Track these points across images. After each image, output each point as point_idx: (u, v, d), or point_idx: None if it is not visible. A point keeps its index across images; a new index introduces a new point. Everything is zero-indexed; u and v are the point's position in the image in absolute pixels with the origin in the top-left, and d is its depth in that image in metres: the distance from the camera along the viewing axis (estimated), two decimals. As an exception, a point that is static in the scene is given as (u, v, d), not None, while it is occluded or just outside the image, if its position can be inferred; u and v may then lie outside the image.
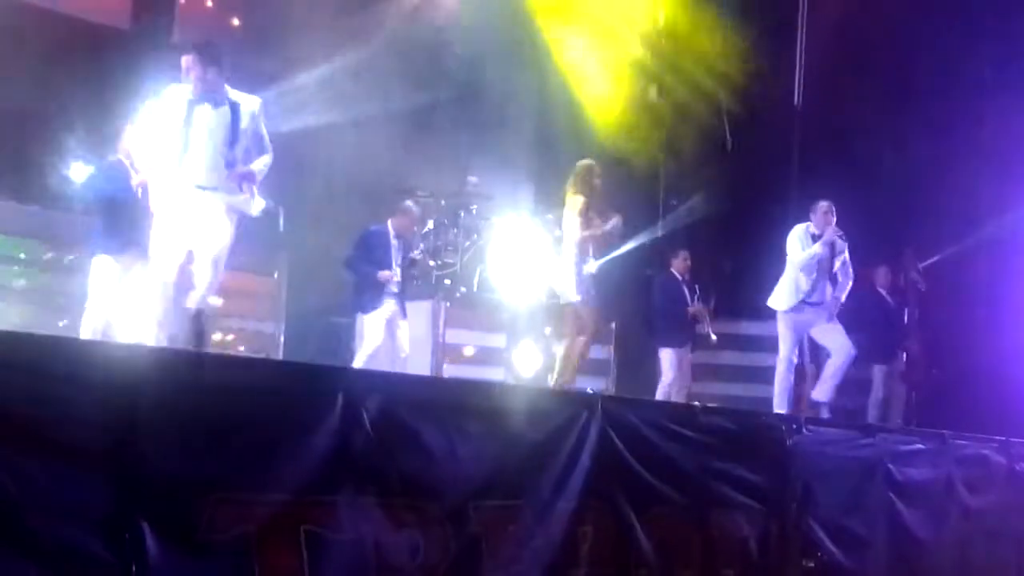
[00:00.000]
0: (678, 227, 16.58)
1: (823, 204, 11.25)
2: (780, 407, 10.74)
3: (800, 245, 11.10)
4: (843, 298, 11.34)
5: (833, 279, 11.25)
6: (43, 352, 5.03)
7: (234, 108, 8.35)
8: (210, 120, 8.27)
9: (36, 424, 4.68)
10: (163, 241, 8.22)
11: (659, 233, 16.67)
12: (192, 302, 8.26)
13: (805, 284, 11.06)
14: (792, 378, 11.10)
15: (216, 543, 5.05)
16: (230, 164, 8.31)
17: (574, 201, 10.04)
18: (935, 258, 14.46)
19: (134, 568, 4.77)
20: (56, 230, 11.22)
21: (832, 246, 11.11)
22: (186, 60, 8.43)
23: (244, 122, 8.38)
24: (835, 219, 11.16)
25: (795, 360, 11.16)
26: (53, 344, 5.50)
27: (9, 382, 4.64)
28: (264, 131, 8.57)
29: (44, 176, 12.17)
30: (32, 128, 12.30)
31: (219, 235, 8.28)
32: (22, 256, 11.32)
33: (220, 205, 8.30)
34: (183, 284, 8.26)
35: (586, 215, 9.94)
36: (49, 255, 11.22)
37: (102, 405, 4.88)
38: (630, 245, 12.15)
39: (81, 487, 4.75)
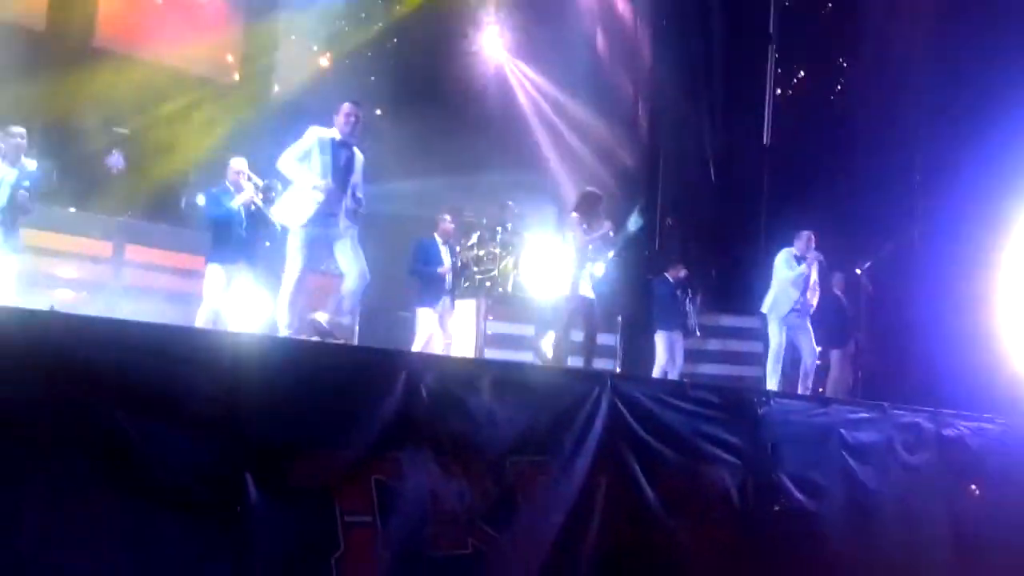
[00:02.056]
0: (673, 241, 16.62)
1: (806, 233, 11.30)
2: (772, 387, 10.77)
3: (788, 265, 11.13)
4: (815, 305, 11.35)
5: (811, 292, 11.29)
6: (170, 339, 5.05)
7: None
8: (348, 156, 8.23)
9: (162, 397, 4.67)
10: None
11: (656, 246, 16.69)
12: None
13: (795, 295, 11.08)
14: (780, 367, 11.10)
15: (304, 490, 5.01)
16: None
17: (571, 219, 9.89)
18: (869, 263, 14.39)
19: (239, 510, 4.75)
20: (182, 243, 11.26)
21: (812, 266, 11.15)
22: (349, 107, 8.26)
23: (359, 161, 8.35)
24: (815, 244, 11.16)
25: (782, 354, 11.09)
26: (178, 333, 5.51)
27: (142, 363, 4.65)
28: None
29: (172, 201, 12.26)
30: (161, 165, 12.39)
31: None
32: (157, 263, 11.38)
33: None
34: None
35: (583, 227, 9.70)
36: (175, 263, 11.25)
37: (215, 381, 4.86)
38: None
39: (197, 447, 4.72)
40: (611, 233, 9.93)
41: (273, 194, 9.43)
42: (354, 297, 8.28)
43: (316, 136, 8.14)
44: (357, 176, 8.30)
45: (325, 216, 8.09)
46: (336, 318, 8.06)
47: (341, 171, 8.16)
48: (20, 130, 8.86)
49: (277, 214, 8.44)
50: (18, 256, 8.84)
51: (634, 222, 10.75)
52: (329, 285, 11.85)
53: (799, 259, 11.13)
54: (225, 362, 4.96)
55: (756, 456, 7.44)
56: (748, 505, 7.28)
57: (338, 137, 8.18)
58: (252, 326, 9.35)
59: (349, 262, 8.19)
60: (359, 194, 8.33)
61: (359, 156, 8.34)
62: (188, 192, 12.26)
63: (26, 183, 8.74)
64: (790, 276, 11.07)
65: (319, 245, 8.20)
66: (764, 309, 11.34)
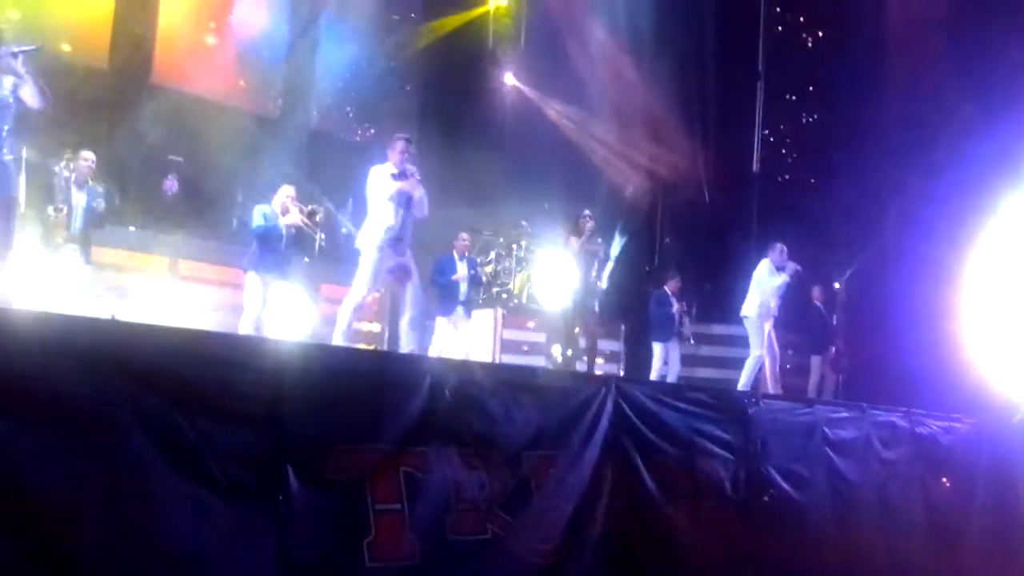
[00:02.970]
0: (671, 258, 16.62)
1: (779, 245, 11.25)
2: (745, 388, 10.66)
3: (771, 274, 11.07)
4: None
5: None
6: (220, 344, 5.08)
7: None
8: (404, 187, 8.21)
9: (213, 396, 4.70)
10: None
11: (656, 262, 16.71)
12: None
13: (776, 301, 11.04)
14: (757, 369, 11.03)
15: (339, 481, 5.03)
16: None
17: (567, 238, 10.34)
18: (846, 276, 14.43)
19: (280, 498, 4.77)
20: (229, 258, 11.30)
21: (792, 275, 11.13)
22: (402, 144, 8.28)
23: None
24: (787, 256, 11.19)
25: (761, 355, 11.02)
26: (226, 339, 5.52)
27: (195, 366, 4.69)
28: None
29: (221, 220, 12.30)
30: (210, 188, 12.44)
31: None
32: (207, 276, 11.43)
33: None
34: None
35: (573, 240, 10.16)
36: (224, 276, 11.30)
37: (260, 383, 4.87)
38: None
39: (244, 440, 4.75)
40: (595, 226, 10.32)
41: (317, 217, 9.54)
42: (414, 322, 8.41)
43: (378, 175, 8.20)
44: (418, 194, 8.30)
45: (394, 242, 8.16)
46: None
47: (403, 200, 8.20)
48: (89, 154, 8.98)
49: (359, 240, 8.41)
50: (90, 267, 8.93)
51: (617, 244, 10.90)
52: (375, 300, 11.94)
53: (779, 268, 11.10)
54: (269, 366, 4.97)
55: (747, 451, 7.42)
56: (740, 494, 7.25)
57: (395, 170, 8.22)
58: (288, 331, 9.42)
59: (409, 294, 8.36)
60: (418, 213, 8.37)
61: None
62: (239, 213, 12.30)
63: (95, 203, 8.86)
64: (774, 284, 11.01)
65: (386, 267, 8.22)
66: (747, 313, 11.14)
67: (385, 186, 8.10)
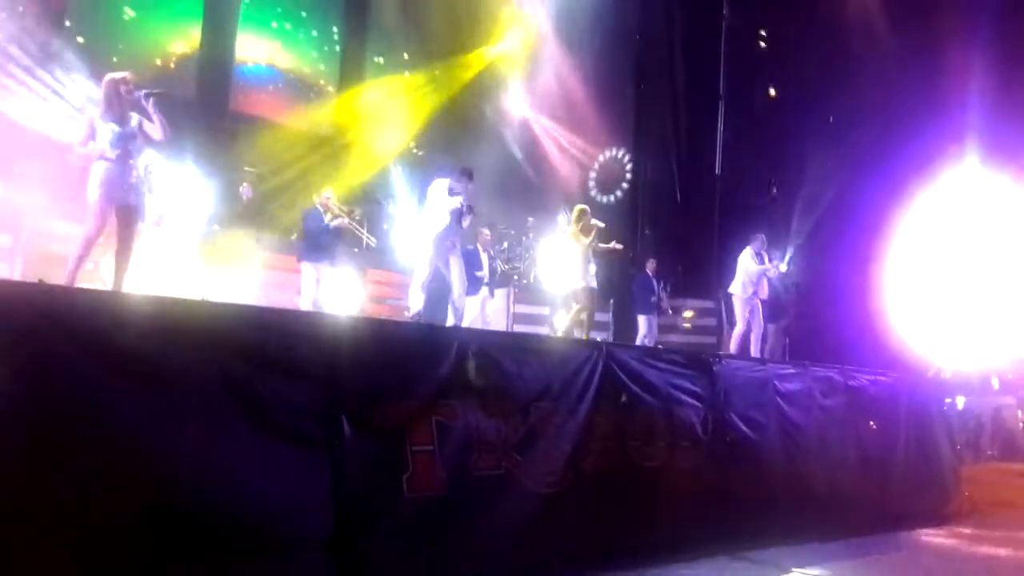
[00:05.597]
0: (649, 246, 16.61)
1: (760, 235, 11.15)
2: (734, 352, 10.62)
3: (754, 261, 10.96)
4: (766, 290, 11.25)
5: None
6: (287, 318, 5.13)
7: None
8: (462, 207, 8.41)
9: (281, 359, 4.70)
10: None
11: (637, 249, 16.66)
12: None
13: (754, 283, 10.93)
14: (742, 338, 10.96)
15: (384, 429, 5.02)
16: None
17: (574, 229, 9.94)
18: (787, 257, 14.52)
19: (336, 443, 4.76)
20: (291, 250, 11.28)
21: (771, 270, 11.16)
22: (469, 176, 8.45)
23: None
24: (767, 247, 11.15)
25: (745, 328, 10.93)
26: (292, 314, 5.52)
27: (267, 336, 4.70)
28: None
29: (285, 220, 12.29)
30: (277, 194, 12.43)
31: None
32: (276, 265, 11.39)
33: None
34: None
35: (584, 233, 9.83)
36: (288, 264, 11.27)
37: (320, 349, 4.87)
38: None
39: (306, 395, 4.75)
40: (602, 225, 10.00)
41: (356, 215, 9.54)
42: (461, 299, 8.57)
43: (442, 190, 8.35)
44: (468, 221, 8.64)
45: (451, 243, 8.43)
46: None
47: (457, 216, 8.39)
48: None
49: (425, 239, 8.51)
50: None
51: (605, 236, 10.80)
52: (390, 278, 11.93)
53: (759, 256, 10.97)
54: (328, 336, 4.98)
55: (713, 401, 7.37)
56: (707, 435, 7.22)
57: (459, 192, 8.35)
58: (341, 308, 9.45)
59: (456, 275, 8.45)
60: (465, 224, 8.66)
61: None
62: (286, 212, 12.29)
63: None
64: (755, 271, 10.91)
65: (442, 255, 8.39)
66: (732, 291, 11.05)
67: (450, 203, 8.29)
